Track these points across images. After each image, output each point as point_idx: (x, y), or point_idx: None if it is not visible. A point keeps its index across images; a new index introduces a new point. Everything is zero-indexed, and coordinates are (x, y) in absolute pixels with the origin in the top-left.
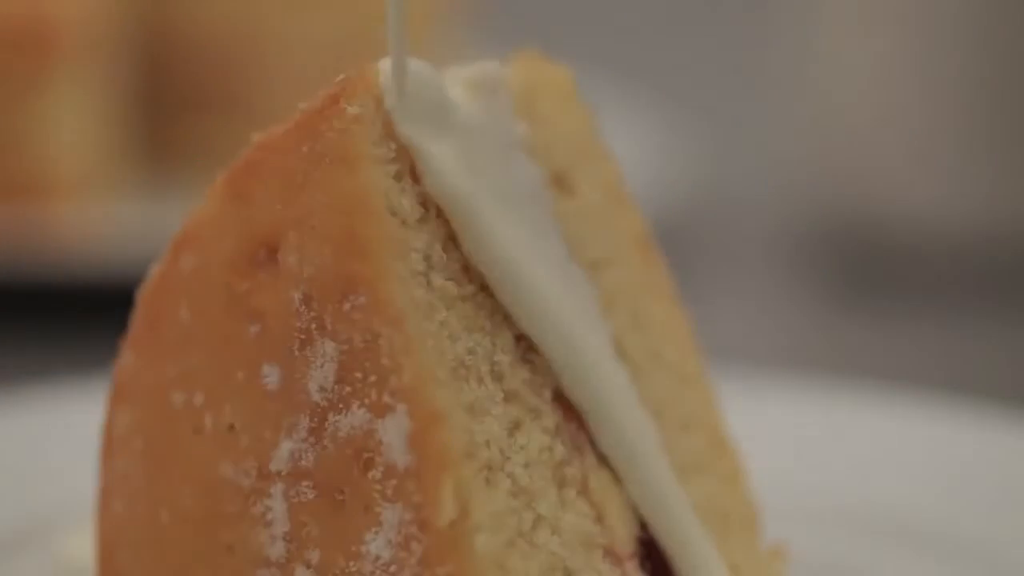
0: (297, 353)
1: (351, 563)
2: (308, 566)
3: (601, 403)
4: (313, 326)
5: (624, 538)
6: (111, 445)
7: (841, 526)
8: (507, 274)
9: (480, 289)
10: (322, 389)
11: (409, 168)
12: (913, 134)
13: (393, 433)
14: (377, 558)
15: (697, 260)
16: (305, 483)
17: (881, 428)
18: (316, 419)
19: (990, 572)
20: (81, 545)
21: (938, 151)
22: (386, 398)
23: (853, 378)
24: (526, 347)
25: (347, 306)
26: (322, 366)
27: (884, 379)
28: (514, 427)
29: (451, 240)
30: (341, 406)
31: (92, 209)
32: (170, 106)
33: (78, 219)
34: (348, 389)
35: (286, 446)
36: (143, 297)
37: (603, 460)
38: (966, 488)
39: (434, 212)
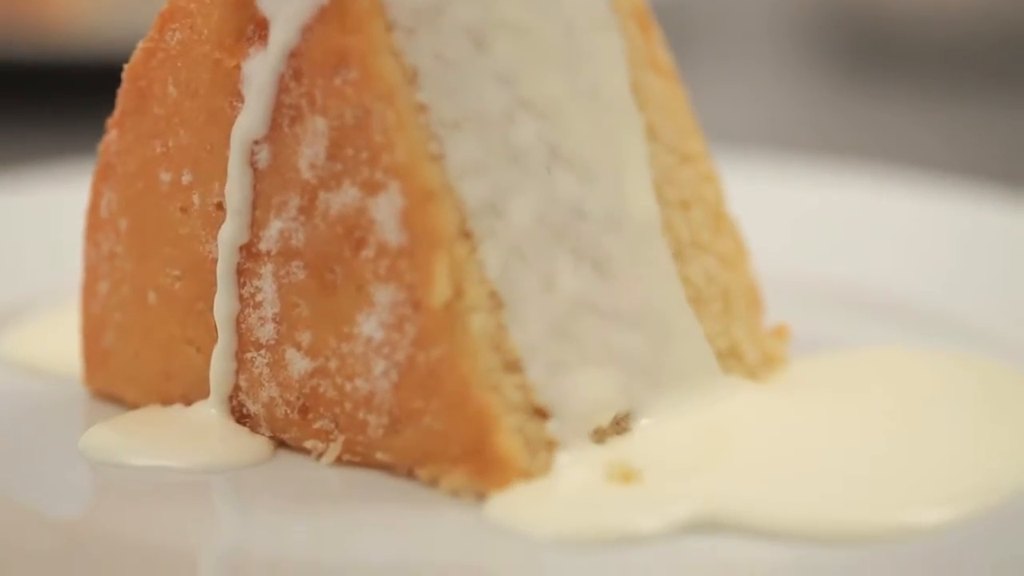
0: (287, 130)
1: (343, 344)
2: (299, 348)
3: None
4: (303, 102)
5: None
6: (96, 226)
7: (838, 304)
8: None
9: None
10: (312, 166)
11: None
12: None
13: (385, 211)
14: (369, 339)
15: (696, 40)
16: (295, 263)
17: (880, 207)
18: (306, 197)
19: (984, 349)
20: (19, 343)
21: None
22: (378, 175)
23: (853, 159)
24: None
25: (338, 81)
26: (312, 143)
27: (884, 160)
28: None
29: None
30: (332, 184)
31: None
32: None
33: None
34: (339, 166)
35: (276, 225)
36: (129, 73)
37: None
38: (962, 266)
39: None
